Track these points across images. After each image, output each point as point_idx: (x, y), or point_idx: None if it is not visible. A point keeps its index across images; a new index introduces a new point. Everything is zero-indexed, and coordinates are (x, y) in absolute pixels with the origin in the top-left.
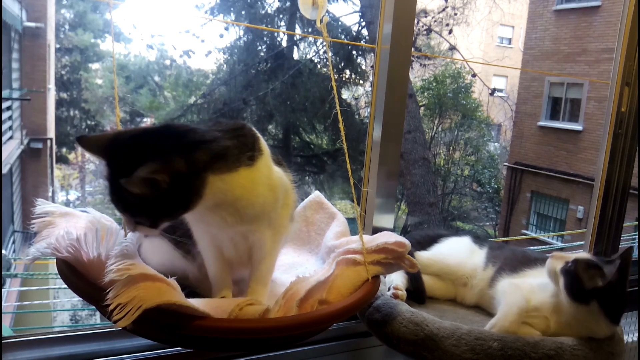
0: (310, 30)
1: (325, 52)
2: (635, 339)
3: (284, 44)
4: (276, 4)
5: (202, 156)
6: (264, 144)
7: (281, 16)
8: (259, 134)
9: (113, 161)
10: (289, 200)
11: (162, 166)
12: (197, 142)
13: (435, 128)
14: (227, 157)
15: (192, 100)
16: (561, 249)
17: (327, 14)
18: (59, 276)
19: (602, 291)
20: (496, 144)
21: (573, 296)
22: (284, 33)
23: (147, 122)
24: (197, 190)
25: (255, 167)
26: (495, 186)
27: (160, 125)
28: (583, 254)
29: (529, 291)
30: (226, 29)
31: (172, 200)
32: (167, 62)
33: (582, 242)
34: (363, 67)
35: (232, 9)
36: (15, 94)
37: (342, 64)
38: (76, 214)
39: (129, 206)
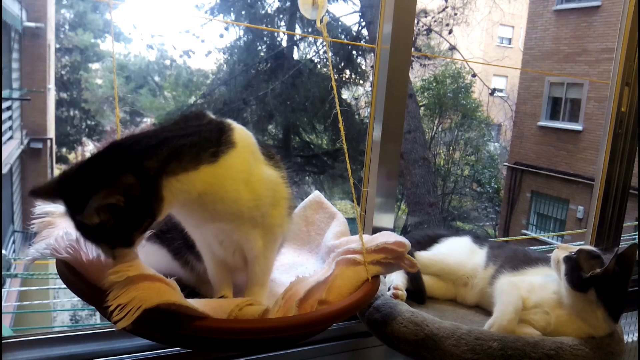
0: (310, 30)
1: (325, 52)
2: (635, 339)
3: (284, 44)
4: (276, 4)
5: (150, 164)
6: (239, 136)
7: (281, 16)
8: (231, 126)
9: (68, 201)
10: (279, 198)
11: (111, 188)
12: (142, 151)
13: (435, 128)
14: (181, 157)
15: (192, 100)
16: None
17: (327, 14)
18: (58, 276)
19: (600, 279)
20: (496, 144)
21: (572, 283)
22: (284, 33)
23: (147, 122)
24: (155, 197)
25: (220, 164)
26: (495, 186)
27: (105, 146)
28: (587, 246)
29: (529, 289)
30: (226, 29)
31: (136, 214)
32: (167, 62)
33: (582, 242)
34: (363, 67)
35: (232, 9)
36: (15, 94)
37: (342, 64)
38: None
39: (99, 236)
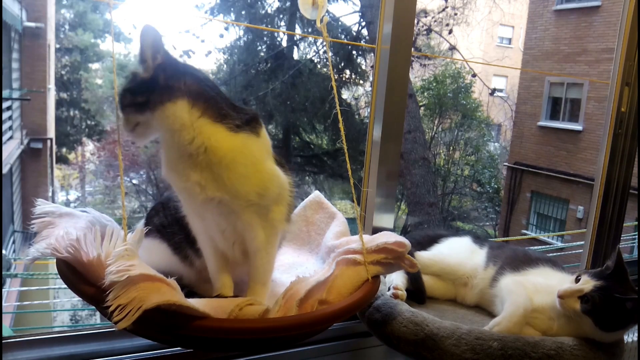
0: (310, 30)
1: (325, 52)
2: (635, 339)
3: (284, 44)
4: (276, 4)
5: (192, 87)
6: (263, 133)
7: (281, 16)
8: (261, 123)
9: None
10: (284, 198)
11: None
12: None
13: (435, 128)
14: (214, 107)
15: None
16: (561, 249)
17: (327, 14)
18: (59, 276)
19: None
20: (496, 144)
21: (607, 325)
22: (284, 33)
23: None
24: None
25: (239, 137)
26: (495, 186)
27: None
28: (587, 282)
29: (533, 290)
30: (226, 29)
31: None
32: None
33: (582, 242)
34: (363, 67)
35: (232, 9)
36: (15, 94)
37: (342, 64)
38: (76, 214)
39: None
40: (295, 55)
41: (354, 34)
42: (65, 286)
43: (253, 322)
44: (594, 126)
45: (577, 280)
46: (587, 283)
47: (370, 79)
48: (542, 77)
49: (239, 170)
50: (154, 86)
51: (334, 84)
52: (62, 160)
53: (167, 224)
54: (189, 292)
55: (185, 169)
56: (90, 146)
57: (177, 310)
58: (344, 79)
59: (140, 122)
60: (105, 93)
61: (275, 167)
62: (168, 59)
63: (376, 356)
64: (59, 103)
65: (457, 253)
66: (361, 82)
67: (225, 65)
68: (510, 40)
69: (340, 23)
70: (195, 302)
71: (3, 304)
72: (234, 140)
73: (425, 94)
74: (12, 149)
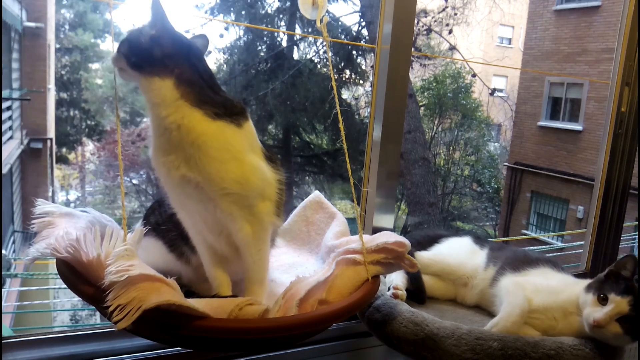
0: (310, 30)
1: (325, 52)
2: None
3: (284, 44)
4: (276, 4)
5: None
6: (246, 125)
7: (281, 16)
8: (246, 115)
9: None
10: (269, 193)
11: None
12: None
13: (435, 128)
14: (196, 89)
15: None
16: (561, 249)
17: (327, 14)
18: (58, 276)
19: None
20: (496, 144)
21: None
22: (284, 33)
23: (147, 122)
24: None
25: (217, 124)
26: (495, 186)
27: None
28: (619, 301)
29: (533, 291)
30: (226, 29)
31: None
32: None
33: (582, 242)
34: (363, 67)
35: (232, 9)
36: (15, 94)
37: (342, 64)
38: (76, 214)
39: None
40: (295, 55)
41: (354, 34)
42: (65, 286)
43: (253, 322)
44: (594, 126)
45: (600, 299)
46: (621, 303)
47: (370, 79)
48: (542, 77)
49: (211, 153)
50: (148, 56)
51: (334, 84)
52: (62, 160)
53: (162, 221)
54: (188, 292)
55: (163, 144)
56: (90, 146)
57: (177, 310)
58: (344, 79)
59: (125, 70)
60: (105, 93)
61: (259, 161)
62: (168, 34)
63: (376, 356)
64: (59, 103)
65: (458, 253)
66: (361, 82)
67: (225, 65)
68: (510, 40)
69: (340, 23)
70: (195, 302)
71: (3, 304)
72: (209, 125)
73: (425, 94)
74: (12, 149)
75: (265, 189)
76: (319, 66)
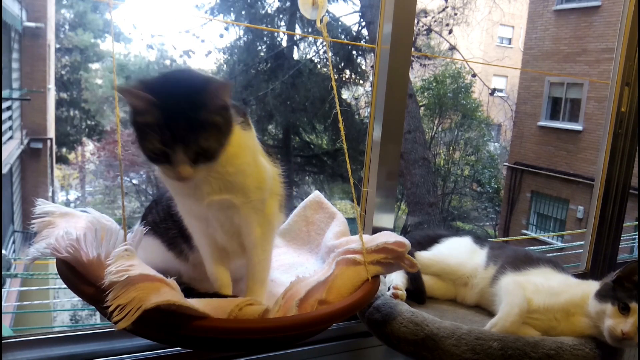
0: (310, 30)
1: (325, 52)
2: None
3: (284, 44)
4: (276, 4)
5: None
6: (251, 125)
7: (281, 16)
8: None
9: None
10: (275, 192)
11: None
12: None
13: (435, 128)
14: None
15: None
16: (561, 249)
17: (327, 14)
18: (58, 276)
19: None
20: (496, 144)
21: None
22: (284, 33)
23: None
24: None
25: (242, 134)
26: (495, 186)
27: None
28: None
29: (534, 291)
30: (226, 29)
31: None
32: (167, 62)
33: (582, 242)
34: (363, 67)
35: (232, 9)
36: (15, 94)
37: (342, 64)
38: (76, 214)
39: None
40: (295, 55)
41: (354, 34)
42: (65, 286)
43: (253, 322)
44: (594, 126)
45: (621, 308)
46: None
47: (370, 79)
48: (542, 77)
49: (240, 166)
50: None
51: (334, 84)
52: (62, 160)
53: (160, 220)
54: (187, 289)
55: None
56: (90, 146)
57: (177, 310)
58: (344, 79)
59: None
60: (105, 93)
61: (263, 160)
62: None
63: (376, 356)
64: (59, 103)
65: (458, 253)
66: (361, 82)
67: (225, 65)
68: (510, 40)
69: (340, 23)
70: (195, 302)
71: (3, 304)
72: (238, 138)
73: (425, 94)
74: (12, 149)
75: (273, 186)
76: (319, 66)
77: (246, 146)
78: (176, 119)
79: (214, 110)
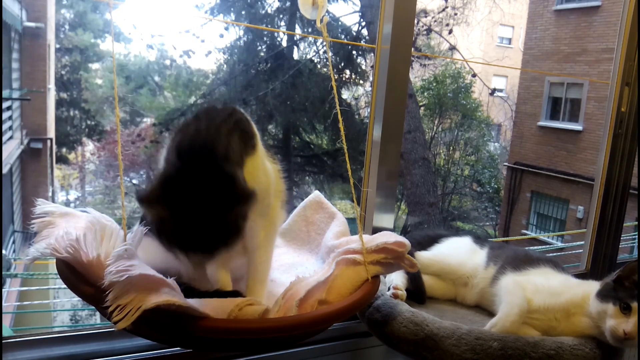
0: (310, 30)
1: (325, 52)
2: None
3: (284, 44)
4: (276, 4)
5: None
6: (254, 126)
7: (281, 16)
8: (248, 118)
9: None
10: (279, 190)
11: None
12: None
13: (435, 128)
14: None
15: (192, 100)
16: (561, 249)
17: (327, 14)
18: (58, 276)
19: None
20: (496, 144)
21: None
22: (284, 33)
23: (147, 122)
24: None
25: (257, 154)
26: (495, 186)
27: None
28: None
29: (534, 291)
30: (226, 29)
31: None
32: (167, 62)
33: (582, 242)
34: (363, 67)
35: (232, 9)
36: (15, 94)
37: (342, 64)
38: (76, 214)
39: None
40: (295, 55)
41: (354, 34)
42: (65, 286)
43: (253, 322)
44: (594, 126)
45: (623, 308)
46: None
47: (370, 79)
48: (542, 77)
49: (261, 187)
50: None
51: (334, 84)
52: (62, 160)
53: None
54: (187, 289)
55: None
56: (90, 146)
57: (177, 310)
58: (344, 79)
59: None
60: (105, 93)
61: (266, 160)
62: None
63: (376, 356)
64: (59, 103)
65: (458, 253)
66: (361, 82)
67: (225, 65)
68: (510, 40)
69: (340, 23)
70: (194, 303)
71: (3, 304)
72: (255, 161)
73: (425, 94)
74: (12, 149)
75: (277, 186)
76: (319, 66)
77: (259, 168)
78: (193, 237)
79: (233, 224)
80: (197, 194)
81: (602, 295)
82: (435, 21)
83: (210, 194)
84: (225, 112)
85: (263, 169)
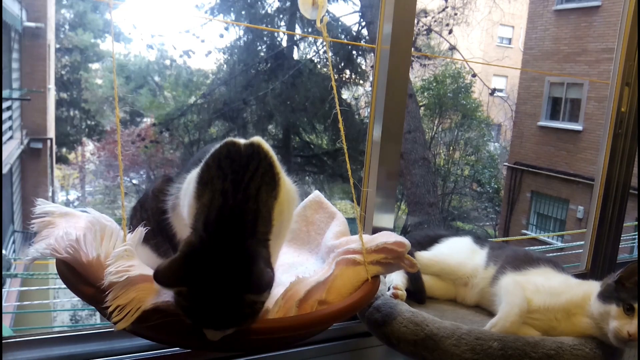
0: (310, 30)
1: (325, 52)
2: None
3: (284, 44)
4: (276, 4)
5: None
6: (277, 161)
7: (281, 16)
8: (270, 151)
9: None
10: (295, 202)
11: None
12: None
13: (435, 128)
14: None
15: (192, 100)
16: (561, 249)
17: (327, 14)
18: (58, 276)
19: None
20: (496, 144)
21: None
22: (284, 33)
23: (147, 122)
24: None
25: (282, 192)
26: (495, 186)
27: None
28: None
29: (534, 291)
30: (226, 29)
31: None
32: (167, 62)
33: (582, 242)
34: (363, 67)
35: (232, 9)
36: (15, 94)
37: (342, 64)
38: (76, 214)
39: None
40: (295, 55)
41: (354, 34)
42: (65, 286)
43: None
44: (594, 126)
45: (626, 309)
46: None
47: (370, 79)
48: (542, 77)
49: (286, 224)
50: None
51: (334, 84)
52: (62, 160)
53: (151, 236)
54: None
55: None
56: (90, 146)
57: (176, 310)
58: (344, 79)
59: None
60: (105, 93)
61: (288, 181)
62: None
63: (376, 356)
64: (59, 103)
65: (458, 253)
66: (361, 82)
67: (225, 65)
68: (510, 40)
69: (340, 23)
70: None
71: (3, 304)
72: (279, 207)
73: (425, 94)
74: (12, 149)
75: (295, 200)
76: (319, 66)
77: (283, 205)
78: (211, 315)
79: (251, 306)
80: (220, 274)
81: (604, 296)
82: (435, 21)
83: (232, 277)
84: (251, 159)
85: (287, 201)
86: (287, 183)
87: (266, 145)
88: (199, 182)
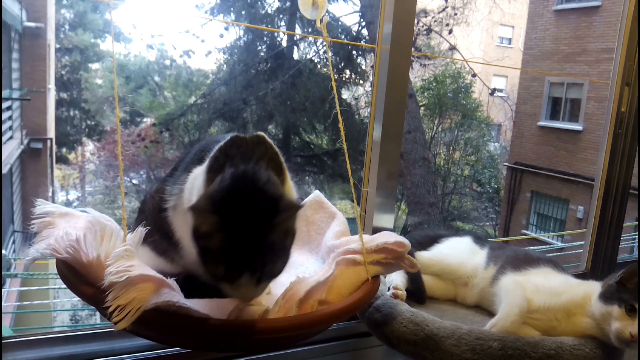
0: (310, 30)
1: (325, 52)
2: None
3: (284, 44)
4: (276, 4)
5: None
6: (277, 150)
7: (281, 16)
8: (274, 144)
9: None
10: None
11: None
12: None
13: (435, 128)
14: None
15: (192, 100)
16: (561, 249)
17: (327, 14)
18: (58, 276)
19: None
20: (496, 144)
21: None
22: (284, 33)
23: (147, 122)
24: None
25: (286, 187)
26: (495, 186)
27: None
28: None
29: (534, 291)
30: (226, 29)
31: None
32: (167, 62)
33: (582, 242)
34: (363, 67)
35: (232, 9)
36: (15, 94)
37: (342, 64)
38: (76, 214)
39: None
40: (295, 55)
41: (354, 34)
42: (65, 286)
43: (253, 322)
44: (594, 126)
45: (628, 310)
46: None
47: (370, 79)
48: (542, 77)
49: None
50: None
51: (334, 84)
52: (62, 160)
53: (149, 233)
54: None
55: None
56: (90, 146)
57: (177, 311)
58: (344, 79)
59: None
60: (105, 93)
61: (289, 181)
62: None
63: (376, 356)
64: (59, 103)
65: (458, 253)
66: (361, 82)
67: (225, 65)
68: (510, 40)
69: (340, 23)
70: (194, 303)
71: (3, 304)
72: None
73: (425, 94)
74: (12, 149)
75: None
76: (319, 66)
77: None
78: (245, 246)
79: (284, 233)
80: (249, 203)
81: (606, 297)
82: (435, 21)
83: (260, 203)
84: (257, 146)
85: (290, 194)
86: (289, 178)
87: (269, 139)
88: (208, 171)
